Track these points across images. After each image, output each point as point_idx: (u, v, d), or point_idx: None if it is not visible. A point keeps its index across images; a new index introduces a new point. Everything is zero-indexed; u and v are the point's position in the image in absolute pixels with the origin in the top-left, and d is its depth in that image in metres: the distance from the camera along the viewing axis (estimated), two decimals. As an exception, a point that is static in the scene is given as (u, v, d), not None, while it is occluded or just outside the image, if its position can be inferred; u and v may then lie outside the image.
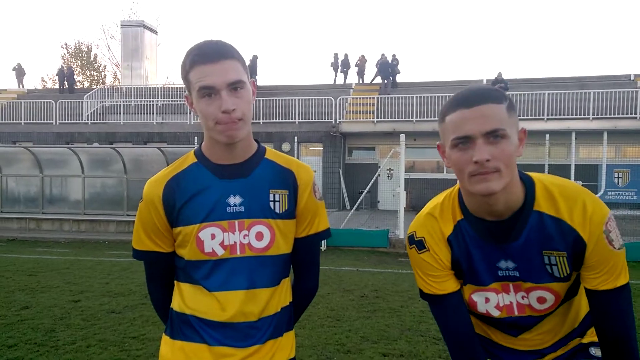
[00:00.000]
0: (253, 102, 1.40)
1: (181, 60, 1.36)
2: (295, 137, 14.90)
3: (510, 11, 72.15)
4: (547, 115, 17.70)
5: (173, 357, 1.41)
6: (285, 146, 19.10)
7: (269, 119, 19.82)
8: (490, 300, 1.33)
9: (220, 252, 1.38)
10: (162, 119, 21.31)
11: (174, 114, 21.36)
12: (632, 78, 20.42)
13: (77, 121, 22.06)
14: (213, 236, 1.37)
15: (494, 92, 1.21)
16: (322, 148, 19.07)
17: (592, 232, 1.20)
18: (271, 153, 1.49)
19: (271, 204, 1.41)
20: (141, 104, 22.31)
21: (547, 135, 12.28)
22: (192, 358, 1.39)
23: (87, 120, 22.20)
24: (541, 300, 1.28)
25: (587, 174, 12.20)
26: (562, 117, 17.41)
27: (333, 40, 72.89)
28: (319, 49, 76.57)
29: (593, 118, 17.19)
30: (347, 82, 23.59)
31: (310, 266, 1.56)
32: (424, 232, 1.37)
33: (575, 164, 11.54)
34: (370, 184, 12.86)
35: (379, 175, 13.98)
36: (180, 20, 69.83)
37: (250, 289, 1.38)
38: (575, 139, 12.28)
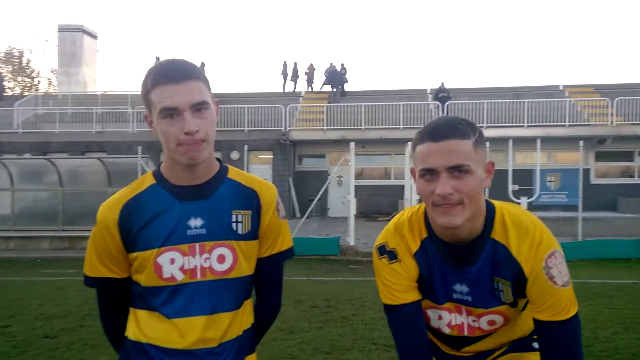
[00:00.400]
0: (216, 122, 1.37)
1: (142, 79, 1.33)
2: (245, 146, 14.79)
3: (452, 23, 75.02)
4: (487, 123, 18.52)
5: None
6: (234, 155, 18.90)
7: (217, 127, 19.35)
8: (442, 318, 1.40)
9: (179, 277, 1.34)
10: (102, 128, 20.52)
11: (115, 122, 20.61)
12: (561, 88, 21.77)
13: (7, 130, 20.80)
14: (172, 261, 1.33)
15: (462, 127, 1.24)
16: (272, 156, 19.03)
17: (534, 267, 1.25)
18: (234, 172, 1.46)
19: (233, 225, 1.38)
20: (79, 112, 21.37)
21: (488, 143, 12.82)
22: None
23: (18, 129, 20.97)
24: (491, 323, 1.36)
25: (523, 179, 12.82)
26: (499, 124, 18.28)
27: (282, 48, 72.97)
28: (267, 57, 76.36)
29: (528, 126, 18.17)
30: (296, 90, 23.69)
31: (273, 286, 1.53)
32: (395, 244, 1.40)
33: (512, 169, 12.11)
34: (321, 192, 12.95)
35: (329, 182, 14.13)
36: (122, 25, 67.68)
37: (212, 314, 1.35)
38: (512, 145, 12.92)
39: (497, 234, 1.30)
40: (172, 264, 1.33)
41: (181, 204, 1.35)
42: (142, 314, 1.38)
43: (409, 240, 1.39)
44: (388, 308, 1.43)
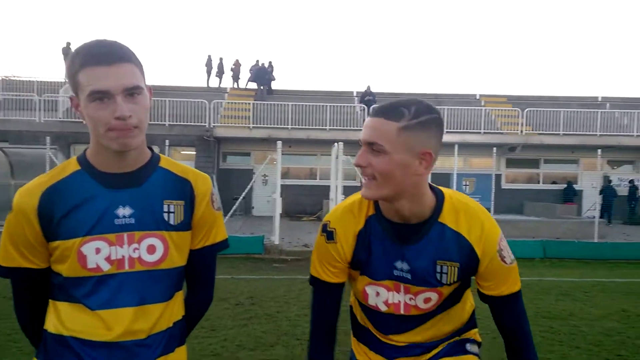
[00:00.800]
0: (150, 108, 1.32)
1: (69, 59, 1.25)
2: (166, 141, 14.22)
3: (378, 29, 77.33)
4: (409, 127, 19.26)
5: None
6: (154, 149, 18.12)
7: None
8: (380, 295, 1.43)
9: (105, 267, 1.28)
10: (4, 115, 18.85)
11: (18, 109, 19.00)
12: (478, 97, 23.18)
13: None
14: (98, 250, 1.27)
15: (394, 110, 1.29)
16: (195, 152, 18.50)
17: (486, 250, 1.35)
18: (166, 162, 1.41)
19: (165, 215, 1.34)
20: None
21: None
22: None
23: None
24: (427, 300, 1.41)
25: (442, 182, 13.39)
26: (421, 129, 19.06)
27: (206, 42, 71.27)
28: (191, 50, 74.16)
29: (447, 132, 19.13)
30: (221, 86, 23.22)
31: (205, 278, 1.50)
32: (338, 224, 1.44)
33: (431, 173, 12.72)
34: (246, 190, 12.80)
35: (254, 181, 13.99)
36: (25, 5, 62.80)
37: (141, 305, 1.30)
38: (432, 150, 13.54)
39: (446, 219, 1.37)
40: (98, 254, 1.27)
41: (109, 191, 1.29)
42: (63, 306, 1.31)
43: (354, 219, 1.43)
44: (313, 280, 1.52)
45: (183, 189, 1.38)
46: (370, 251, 1.41)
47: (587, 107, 21.59)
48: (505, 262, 1.37)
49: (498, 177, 19.84)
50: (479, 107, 20.86)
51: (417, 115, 1.27)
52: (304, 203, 19.65)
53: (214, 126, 18.78)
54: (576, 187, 19.78)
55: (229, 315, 5.78)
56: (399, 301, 1.41)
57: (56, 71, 62.43)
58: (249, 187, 12.69)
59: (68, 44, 22.28)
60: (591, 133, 19.87)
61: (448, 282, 1.38)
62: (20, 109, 18.96)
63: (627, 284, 8.19)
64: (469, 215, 1.36)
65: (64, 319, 1.29)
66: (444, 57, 73.56)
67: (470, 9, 76.97)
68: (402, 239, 1.38)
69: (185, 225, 1.37)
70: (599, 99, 23.76)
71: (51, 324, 1.32)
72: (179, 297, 1.42)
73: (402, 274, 1.39)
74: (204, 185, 1.42)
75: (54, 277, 1.32)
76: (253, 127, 19.13)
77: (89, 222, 1.27)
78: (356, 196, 1.46)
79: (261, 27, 77.14)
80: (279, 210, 11.52)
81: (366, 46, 77.80)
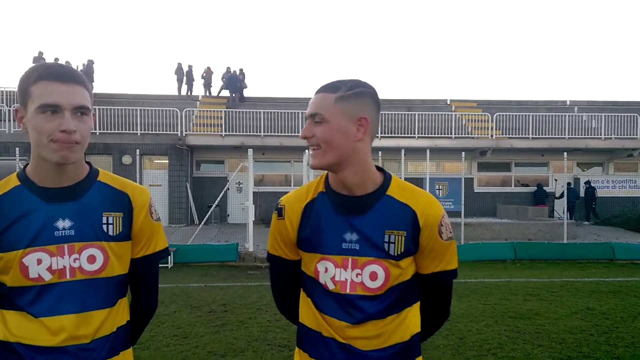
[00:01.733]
0: (90, 130, 1.40)
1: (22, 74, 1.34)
2: (137, 150, 14.03)
3: (348, 35, 78.02)
4: (381, 133, 19.45)
5: None
6: (126, 159, 17.88)
7: (107, 130, 18.42)
8: (328, 271, 1.44)
9: (47, 277, 1.34)
10: (-29, 126, 18.35)
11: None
12: (448, 102, 23.57)
13: None
14: (39, 261, 1.33)
15: (334, 83, 1.41)
16: (167, 161, 18.29)
17: (428, 221, 1.40)
18: (105, 176, 1.48)
19: (104, 226, 1.41)
20: (-56, 108, 18.95)
21: (380, 152, 13.51)
22: None
23: None
24: (373, 276, 1.41)
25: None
26: (392, 135, 19.29)
27: (175, 50, 70.70)
28: (161, 58, 73.51)
29: (418, 137, 19.39)
30: (193, 94, 23.04)
31: (147, 286, 1.57)
32: (287, 202, 1.52)
33: (404, 177, 12.87)
34: (219, 198, 12.73)
35: (228, 189, 13.91)
36: (-1, 14, 61.37)
37: (82, 312, 1.36)
38: (405, 155, 13.72)
39: (393, 192, 1.43)
40: (39, 265, 1.33)
41: (48, 205, 1.36)
42: (8, 314, 1.36)
43: (303, 196, 1.50)
44: (270, 257, 1.59)
45: (121, 202, 1.45)
46: (320, 225, 1.45)
47: (556, 111, 22.18)
48: (442, 237, 1.42)
49: (470, 180, 20.16)
50: (450, 112, 21.20)
51: (352, 88, 1.39)
52: (280, 210, 19.59)
53: (186, 134, 18.62)
54: (547, 189, 20.26)
55: (201, 323, 5.76)
56: (346, 279, 1.42)
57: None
58: (221, 194, 12.61)
59: (40, 53, 21.85)
60: (560, 136, 20.40)
61: (395, 253, 1.40)
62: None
63: (594, 283, 8.42)
64: (415, 192, 1.44)
65: (9, 326, 1.34)
66: (414, 63, 74.68)
67: (438, 16, 78.44)
68: (350, 210, 1.43)
69: (125, 235, 1.45)
70: (567, 103, 24.42)
71: None
72: (123, 303, 1.48)
73: (351, 246, 1.42)
74: (142, 197, 1.50)
75: None
76: (226, 135, 19.03)
77: (29, 235, 1.33)
78: (313, 180, 1.56)
79: (232, 35, 76.99)
80: (251, 217, 11.49)
81: (336, 52, 78.42)
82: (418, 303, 1.52)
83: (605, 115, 20.67)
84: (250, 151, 11.65)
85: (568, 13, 77.94)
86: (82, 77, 1.35)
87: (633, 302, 6.93)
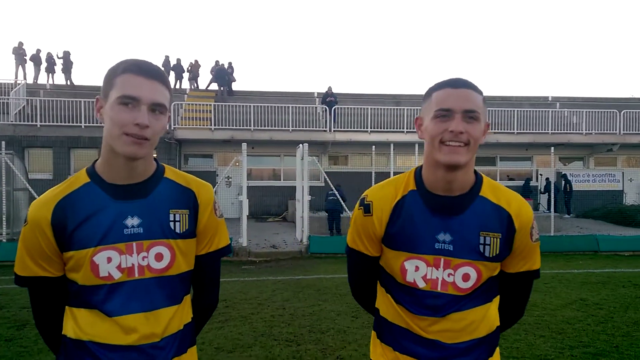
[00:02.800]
0: (164, 129, 1.40)
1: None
2: (126, 143, 13.89)
3: (336, 30, 77.86)
4: (370, 128, 19.55)
5: None
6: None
7: (95, 123, 18.14)
8: (419, 269, 1.43)
9: (117, 275, 1.34)
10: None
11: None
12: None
13: None
14: (109, 259, 1.33)
15: (475, 84, 1.41)
16: (155, 155, 18.02)
17: (522, 223, 1.41)
18: (171, 172, 1.48)
19: (171, 224, 1.40)
20: None
21: (374, 147, 13.59)
22: None
23: None
24: (465, 277, 1.41)
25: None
26: (382, 130, 19.40)
27: (163, 43, 69.73)
28: (147, 51, 72.40)
29: (407, 131, 19.53)
30: (181, 87, 22.80)
31: (210, 282, 1.57)
32: (375, 197, 1.49)
33: (394, 172, 12.95)
34: (210, 193, 12.63)
35: (218, 183, 13.85)
36: (-26, 3, 59.55)
37: (152, 310, 1.36)
38: (394, 149, 13.80)
39: (486, 193, 1.44)
40: (109, 263, 1.33)
41: (117, 203, 1.35)
42: (80, 312, 1.36)
43: (393, 192, 1.48)
44: (350, 251, 1.58)
45: (187, 199, 1.45)
46: (413, 224, 1.43)
47: (539, 107, 22.53)
48: (532, 238, 1.45)
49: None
50: (438, 107, 21.35)
51: (482, 93, 1.41)
52: (269, 204, 19.59)
53: (174, 128, 18.43)
54: (532, 183, 20.62)
55: (203, 319, 5.75)
56: (437, 277, 1.42)
57: (7, 72, 59.48)
58: (214, 189, 12.52)
59: (20, 43, 21.35)
60: (543, 132, 20.76)
61: (490, 255, 1.41)
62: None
63: (583, 275, 8.65)
64: (506, 192, 1.45)
65: (81, 324, 1.35)
66: (402, 59, 74.94)
67: (425, 11, 78.80)
68: (445, 210, 1.42)
69: (191, 233, 1.44)
70: (549, 99, 24.83)
71: (70, 329, 1.37)
72: (188, 300, 1.49)
73: (444, 246, 1.41)
74: (207, 194, 1.49)
75: (70, 285, 1.38)
76: (215, 128, 18.90)
77: (99, 233, 1.33)
78: (396, 176, 1.55)
79: (219, 28, 76.22)
80: (246, 211, 11.47)
81: (327, 47, 78.28)
82: (498, 296, 1.54)
83: (586, 111, 21.09)
84: (244, 145, 11.61)
85: (550, 10, 79.05)
86: (166, 78, 1.36)
87: (623, 292, 7.14)
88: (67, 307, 1.40)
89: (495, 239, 1.41)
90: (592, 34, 79.73)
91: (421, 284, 1.44)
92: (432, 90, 1.43)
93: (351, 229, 1.56)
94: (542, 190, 18.79)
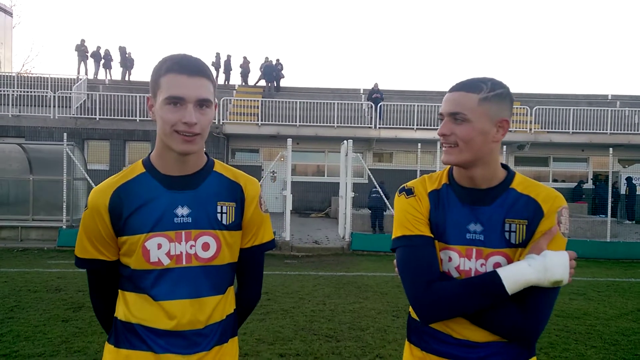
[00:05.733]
0: (213, 122, 1.46)
1: (155, 64, 1.40)
2: (177, 137, 14.32)
3: (384, 26, 77.09)
4: (417, 125, 19.25)
5: None
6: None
7: (147, 117, 18.81)
8: (452, 260, 1.43)
9: (166, 261, 1.40)
10: (19, 111, 19.00)
11: (33, 106, 19.13)
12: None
13: None
14: (159, 246, 1.40)
15: (473, 83, 1.41)
16: (204, 149, 18.56)
17: (552, 208, 1.38)
18: (220, 166, 1.54)
19: (218, 215, 1.45)
20: (-8, 93, 19.65)
21: (420, 144, 13.36)
22: None
23: None
24: (497, 267, 1.39)
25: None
26: (429, 127, 19.05)
27: (214, 40, 71.29)
28: (199, 48, 74.28)
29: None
30: (229, 83, 23.28)
31: (254, 276, 1.61)
32: (414, 184, 1.54)
33: (439, 169, 12.70)
34: (255, 187, 12.82)
35: (263, 178, 14.05)
36: (43, 4, 63.03)
37: (197, 297, 1.41)
38: (440, 147, 13.51)
39: (517, 186, 1.45)
40: (159, 249, 1.40)
41: (169, 193, 1.42)
42: (130, 296, 1.43)
43: (428, 183, 1.53)
44: (403, 239, 1.45)
45: (235, 192, 1.50)
46: (445, 215, 1.46)
47: (597, 105, 21.48)
48: (559, 227, 1.37)
49: (507, 175, 19.74)
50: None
51: (493, 88, 1.40)
52: (312, 200, 19.69)
53: (223, 123, 18.84)
54: (586, 186, 19.72)
55: (246, 311, 5.85)
56: (470, 268, 1.41)
57: (69, 68, 62.69)
58: (259, 184, 12.70)
59: (82, 41, 22.43)
60: (601, 131, 19.77)
61: (517, 242, 1.40)
62: (35, 105, 19.09)
63: (640, 284, 8.18)
64: (538, 185, 1.45)
65: (131, 307, 1.42)
66: (451, 55, 73.30)
67: (477, 6, 76.63)
68: (475, 201, 1.44)
69: (236, 225, 1.49)
70: (609, 97, 23.63)
71: (121, 312, 1.45)
72: (231, 292, 1.53)
73: (475, 237, 1.42)
74: (253, 188, 1.54)
75: (123, 269, 1.45)
76: (262, 124, 19.17)
77: (152, 220, 1.40)
78: (432, 173, 1.58)
79: (269, 25, 77.12)
80: (289, 207, 11.56)
81: (374, 43, 77.65)
82: None
83: (649, 111, 19.92)
84: (289, 140, 11.70)
85: (612, 4, 75.03)
86: (208, 71, 1.40)
87: (685, 305, 6.70)
88: (120, 290, 1.47)
89: (521, 225, 1.40)
90: (658, 29, 75.09)
91: (455, 274, 1.44)
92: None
93: (398, 218, 1.49)
94: (594, 192, 17.90)
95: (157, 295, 1.39)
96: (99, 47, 22.54)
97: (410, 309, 1.54)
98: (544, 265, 1.30)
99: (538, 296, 1.33)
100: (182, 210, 1.41)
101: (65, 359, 4.16)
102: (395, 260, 1.51)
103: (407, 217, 1.47)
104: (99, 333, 4.82)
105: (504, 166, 1.51)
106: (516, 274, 1.31)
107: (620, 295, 7.22)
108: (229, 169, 1.55)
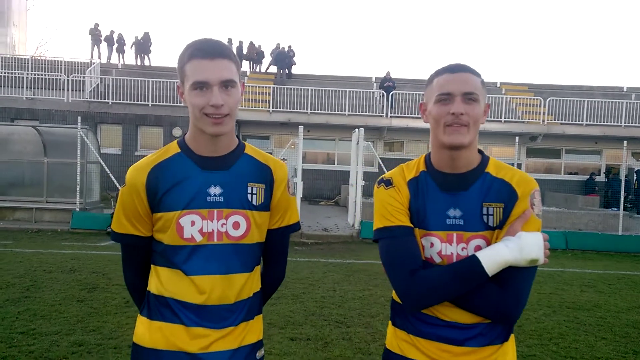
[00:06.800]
0: (241, 101, 1.49)
1: (180, 52, 1.44)
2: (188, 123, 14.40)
3: (396, 14, 76.30)
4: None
5: (151, 337, 1.47)
6: (177, 131, 18.33)
7: (159, 102, 18.87)
8: (434, 246, 1.46)
9: (198, 238, 1.45)
10: (33, 94, 19.16)
11: (47, 89, 19.27)
12: (499, 85, 22.83)
13: None
14: (193, 223, 1.44)
15: (473, 68, 1.48)
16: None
17: (524, 192, 1.43)
18: (250, 149, 1.58)
19: (249, 196, 1.50)
20: (7, 76, 19.75)
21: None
22: (169, 337, 1.45)
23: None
24: (477, 249, 1.43)
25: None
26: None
27: (226, 26, 71.00)
28: (211, 33, 74.02)
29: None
30: (241, 69, 23.25)
31: (279, 256, 1.66)
32: (392, 175, 1.56)
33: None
34: (266, 174, 12.86)
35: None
36: (54, -15, 63.04)
37: (227, 274, 1.47)
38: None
39: (491, 170, 1.50)
40: (193, 226, 1.45)
41: (203, 172, 1.47)
42: (163, 271, 1.49)
43: (406, 172, 1.55)
44: (384, 230, 1.48)
45: (264, 174, 1.55)
46: (425, 203, 1.48)
47: (611, 97, 21.19)
48: (533, 209, 1.43)
49: (518, 166, 19.64)
50: (500, 95, 20.59)
51: (480, 75, 1.49)
52: (322, 188, 19.73)
53: (235, 109, 18.84)
54: (598, 179, 19.53)
55: (257, 295, 5.91)
56: (452, 253, 1.45)
57: (83, 51, 62.95)
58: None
59: (96, 24, 22.49)
60: (615, 124, 19.54)
61: (494, 224, 1.44)
62: (49, 88, 19.24)
63: (652, 277, 8.14)
64: (510, 169, 1.50)
65: (164, 282, 1.48)
66: (464, 44, 72.46)
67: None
68: (453, 187, 1.48)
69: (265, 206, 1.54)
70: (624, 89, 23.28)
71: (154, 286, 1.51)
72: (258, 271, 1.58)
73: (455, 222, 1.45)
74: (282, 171, 1.59)
75: (156, 246, 1.51)
76: (273, 111, 19.17)
77: (186, 198, 1.45)
78: (407, 162, 1.60)
79: (281, 12, 76.59)
80: (300, 193, 11.61)
81: (386, 31, 76.94)
82: None
83: (665, 104, 19.62)
84: (301, 128, 11.72)
85: (630, -7, 73.56)
86: (228, 51, 1.43)
87: (697, 299, 6.67)
88: (152, 266, 1.53)
89: (498, 208, 1.44)
90: (677, 21, 73.56)
91: (437, 259, 1.46)
92: (433, 77, 1.50)
93: (378, 209, 1.51)
94: (606, 186, 17.73)
95: (189, 270, 1.44)
96: (112, 32, 22.60)
97: (394, 293, 1.57)
98: (520, 246, 1.35)
99: (516, 276, 1.38)
100: (214, 190, 1.46)
101: (82, 337, 4.26)
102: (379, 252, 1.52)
103: (388, 208, 1.49)
104: (113, 313, 4.92)
105: (479, 150, 1.54)
106: (494, 256, 1.36)
107: (631, 288, 7.20)
108: (259, 152, 1.59)
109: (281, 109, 19.37)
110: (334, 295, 6.10)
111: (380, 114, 19.84)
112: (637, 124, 19.67)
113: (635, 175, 18.18)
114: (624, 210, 12.91)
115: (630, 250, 10.93)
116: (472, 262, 1.37)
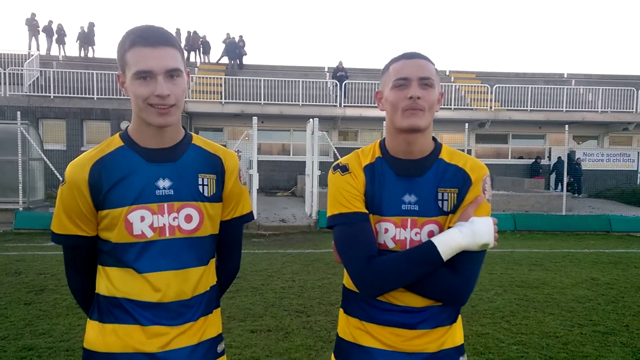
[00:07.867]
0: (186, 90, 1.43)
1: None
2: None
3: (347, 4, 76.50)
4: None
5: (105, 341, 1.40)
6: (124, 124, 17.68)
7: (105, 95, 18.15)
8: (388, 231, 1.46)
9: (149, 234, 1.39)
10: (-34, 89, 17.99)
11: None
12: (447, 73, 23.40)
13: None
14: (142, 218, 1.38)
15: (427, 56, 1.50)
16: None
17: (477, 177, 1.47)
18: (198, 140, 1.52)
19: (200, 187, 1.45)
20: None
21: (385, 122, 13.47)
22: (125, 339, 1.38)
23: None
24: (431, 234, 1.45)
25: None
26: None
27: (174, 15, 69.00)
28: (159, 23, 71.63)
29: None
30: (191, 60, 22.68)
31: (233, 248, 1.62)
32: (348, 160, 1.55)
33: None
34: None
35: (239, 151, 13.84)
36: (-15, -28, 59.01)
37: (181, 269, 1.41)
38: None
39: (444, 156, 1.52)
40: (142, 222, 1.38)
41: (150, 165, 1.41)
42: (113, 271, 1.42)
43: (362, 158, 1.54)
44: (340, 217, 1.46)
45: (215, 164, 1.49)
46: (381, 188, 1.49)
47: (553, 84, 22.16)
48: (485, 194, 1.47)
49: (468, 152, 20.21)
50: (449, 83, 21.10)
51: (434, 64, 1.51)
52: (278, 179, 19.65)
53: (185, 101, 18.42)
54: (543, 162, 20.41)
55: (215, 289, 5.83)
56: (405, 238, 1.46)
57: (20, 44, 59.58)
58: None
59: (33, 15, 21.28)
60: (557, 109, 20.44)
61: (448, 210, 1.46)
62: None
63: (595, 254, 8.62)
64: (463, 155, 1.53)
65: (115, 282, 1.40)
66: (414, 34, 73.67)
67: (440, -15, 76.96)
68: (409, 173, 1.49)
69: (217, 197, 1.49)
70: (565, 76, 24.39)
71: (103, 288, 1.43)
72: (213, 263, 1.54)
73: (410, 207, 1.46)
74: (233, 161, 1.54)
75: (103, 245, 1.43)
76: (225, 102, 18.85)
77: (133, 193, 1.38)
78: (362, 148, 1.59)
79: (230, 1, 75.15)
80: (255, 185, 11.51)
81: (338, 20, 77.08)
82: None
83: (602, 89, 20.71)
84: (254, 119, 11.58)
85: (568, -17, 76.84)
86: (172, 39, 1.36)
87: (634, 272, 7.12)
88: (100, 266, 1.45)
89: (452, 194, 1.47)
90: (610, 9, 77.66)
91: (391, 245, 1.47)
92: (389, 64, 1.51)
93: (333, 195, 1.49)
94: (551, 169, 18.58)
95: (141, 268, 1.38)
96: (50, 22, 21.48)
97: (345, 279, 1.57)
98: (473, 231, 1.39)
99: (468, 260, 1.41)
100: (163, 183, 1.40)
101: (31, 342, 4.06)
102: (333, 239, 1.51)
103: (343, 194, 1.47)
104: (64, 315, 4.72)
105: (432, 137, 1.56)
106: (449, 241, 1.39)
107: (575, 265, 7.59)
108: (207, 142, 1.54)
109: (234, 100, 19.07)
110: (293, 286, 6.10)
111: (334, 104, 19.90)
112: (577, 109, 20.66)
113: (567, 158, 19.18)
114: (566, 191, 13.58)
115: (573, 229, 11.53)
116: (428, 248, 1.38)
